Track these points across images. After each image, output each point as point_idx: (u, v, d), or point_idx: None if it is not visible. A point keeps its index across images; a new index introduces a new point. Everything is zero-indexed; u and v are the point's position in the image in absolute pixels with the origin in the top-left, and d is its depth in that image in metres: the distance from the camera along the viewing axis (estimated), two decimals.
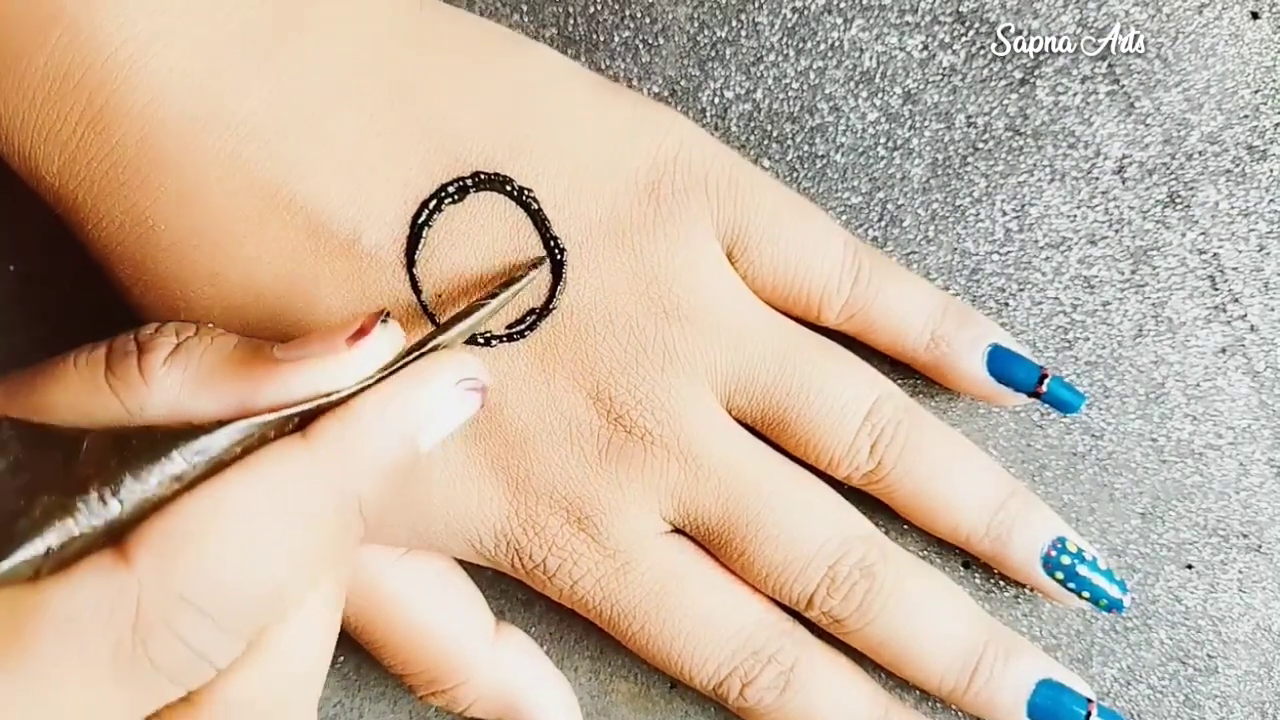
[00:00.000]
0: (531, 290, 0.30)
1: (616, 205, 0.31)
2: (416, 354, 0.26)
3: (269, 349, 0.26)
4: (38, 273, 0.34)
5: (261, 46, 0.29)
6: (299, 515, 0.24)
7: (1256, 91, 0.34)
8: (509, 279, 0.29)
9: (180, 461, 0.23)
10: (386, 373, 0.26)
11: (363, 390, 0.25)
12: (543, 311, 0.30)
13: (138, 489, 0.23)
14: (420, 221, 0.30)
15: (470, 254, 0.30)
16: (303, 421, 0.25)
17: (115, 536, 0.23)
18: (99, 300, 0.34)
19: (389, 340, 0.26)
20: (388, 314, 0.26)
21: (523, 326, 0.30)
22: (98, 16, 0.28)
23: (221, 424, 0.24)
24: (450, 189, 0.30)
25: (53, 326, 0.34)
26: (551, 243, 0.30)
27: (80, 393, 0.25)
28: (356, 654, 0.34)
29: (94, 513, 0.23)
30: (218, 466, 0.24)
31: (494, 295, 0.28)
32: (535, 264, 0.30)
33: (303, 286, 0.29)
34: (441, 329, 0.27)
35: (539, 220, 0.30)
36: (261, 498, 0.24)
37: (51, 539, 0.22)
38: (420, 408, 0.26)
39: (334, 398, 0.25)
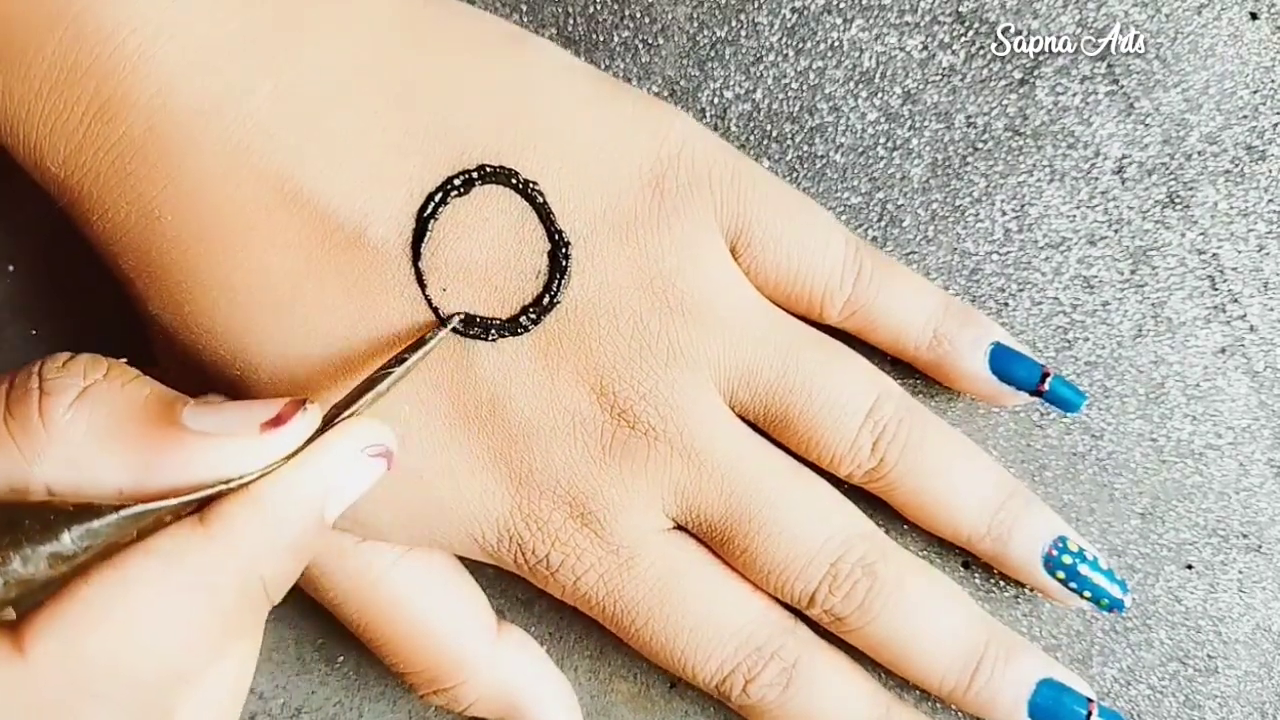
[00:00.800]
0: (535, 283, 0.30)
1: (620, 200, 0.31)
2: (323, 428, 0.25)
3: (180, 409, 0.25)
4: (38, 273, 0.34)
5: (268, 40, 0.29)
6: (199, 600, 0.24)
7: (1255, 92, 0.34)
8: (415, 342, 0.29)
9: (71, 544, 0.23)
10: (289, 453, 0.25)
11: (266, 474, 0.24)
12: (547, 305, 0.30)
13: (26, 570, 0.22)
14: (426, 215, 0.30)
15: (475, 247, 0.30)
16: (201, 502, 0.24)
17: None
18: (99, 300, 0.34)
19: (304, 429, 0.25)
20: (307, 403, 0.25)
21: (526, 320, 0.30)
22: (105, 8, 0.28)
23: (117, 507, 0.23)
24: (456, 183, 0.30)
25: (53, 326, 0.34)
26: (556, 236, 0.30)
27: None
28: (356, 653, 0.34)
29: None
30: (111, 548, 0.23)
31: (400, 360, 0.28)
32: (440, 325, 0.29)
33: (308, 279, 0.29)
34: (347, 402, 0.26)
35: (543, 214, 0.30)
36: (160, 584, 0.23)
37: None
38: (324, 482, 0.25)
39: (235, 483, 0.24)
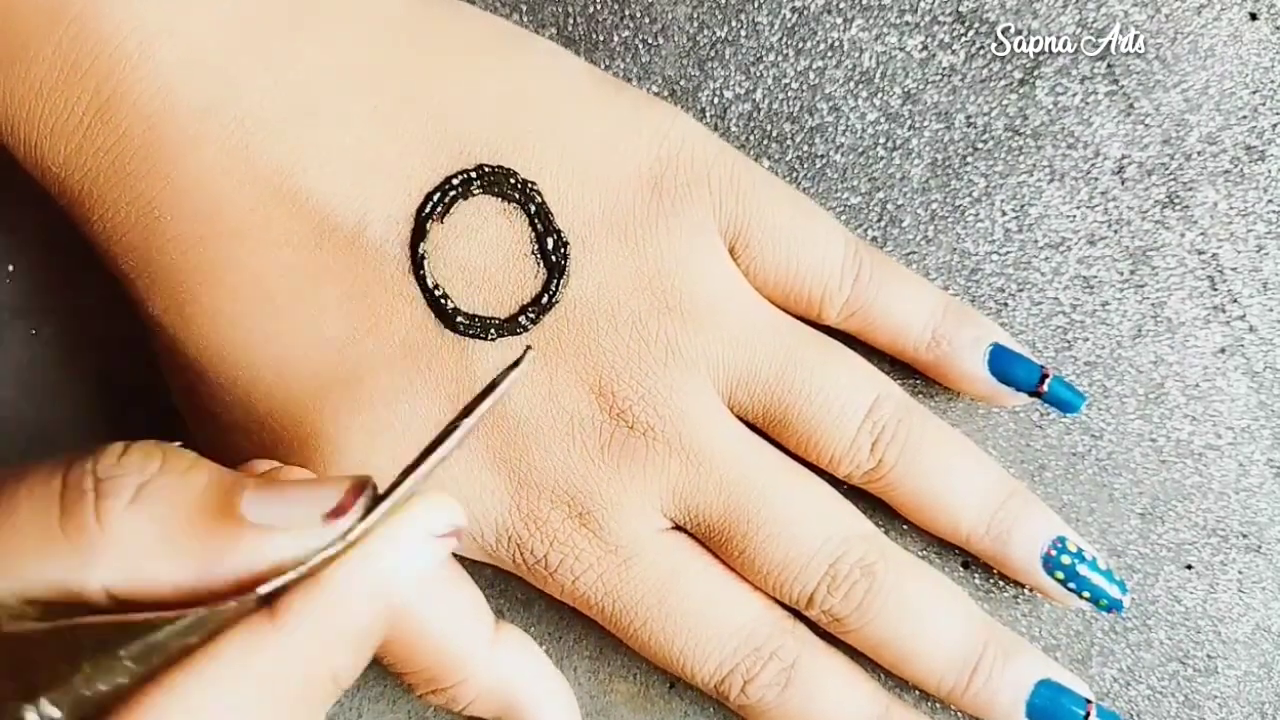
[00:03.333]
0: (534, 283, 0.30)
1: (619, 200, 0.31)
2: (387, 503, 0.24)
3: (239, 498, 0.24)
4: (38, 273, 0.34)
5: (268, 39, 0.29)
6: (271, 700, 0.23)
7: (1255, 92, 0.34)
8: (485, 389, 0.26)
9: (132, 662, 0.22)
10: (356, 536, 0.24)
11: (332, 558, 0.23)
12: (546, 305, 0.30)
13: (87, 690, 0.22)
14: (425, 214, 0.30)
15: (474, 247, 0.30)
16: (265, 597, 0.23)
17: None
18: (99, 300, 0.34)
19: (365, 508, 0.24)
20: (367, 483, 0.24)
21: (525, 320, 0.30)
22: (105, 8, 0.28)
23: (177, 617, 0.22)
24: (454, 182, 0.30)
25: (53, 326, 0.34)
26: (554, 236, 0.30)
27: (29, 534, 0.23)
28: None
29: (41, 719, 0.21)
30: (178, 652, 0.22)
31: (469, 411, 0.25)
32: (513, 368, 0.26)
33: (307, 278, 0.29)
34: (407, 472, 0.25)
35: (542, 213, 0.30)
36: (233, 686, 0.22)
37: None
38: (395, 570, 0.24)
39: (302, 570, 0.23)
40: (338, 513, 0.23)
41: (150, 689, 0.22)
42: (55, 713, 0.21)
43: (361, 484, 0.24)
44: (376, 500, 0.24)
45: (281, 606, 0.23)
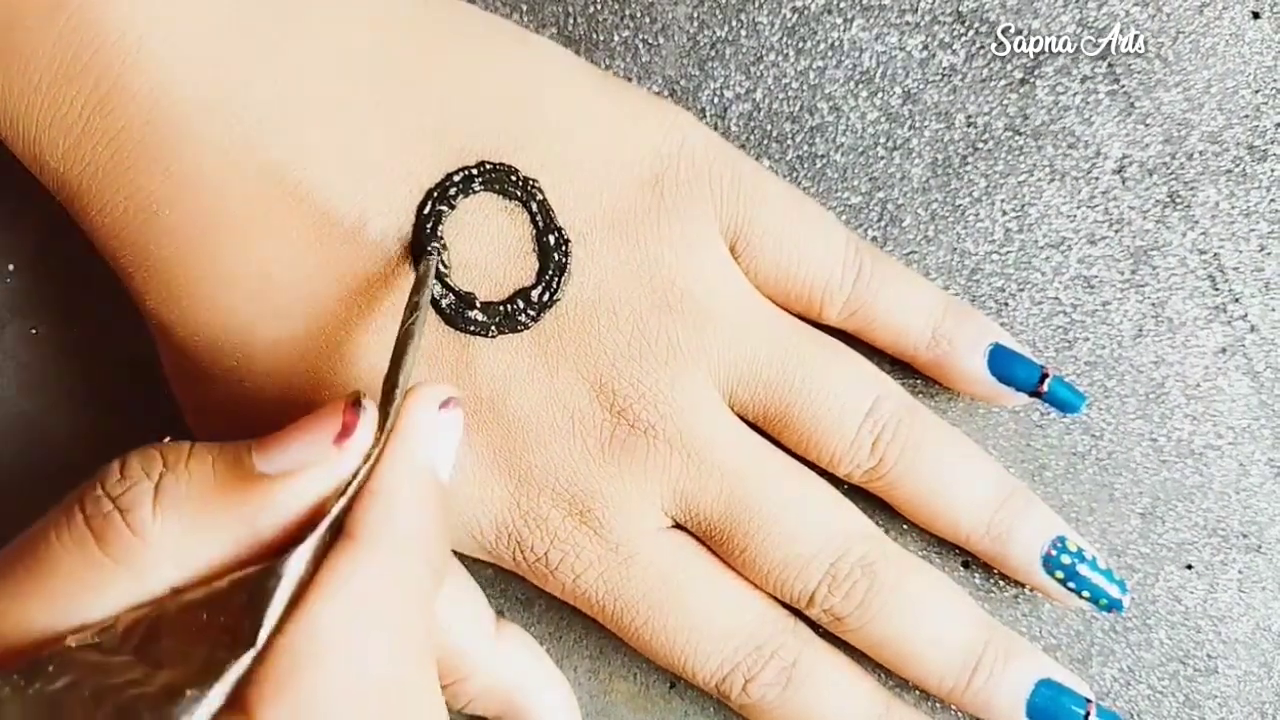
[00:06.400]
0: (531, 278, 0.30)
1: (620, 198, 0.31)
2: (394, 406, 0.26)
3: (249, 461, 0.24)
4: (38, 272, 0.34)
5: (269, 34, 0.29)
6: (391, 612, 0.24)
7: (1257, 91, 0.34)
8: (416, 283, 0.29)
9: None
10: (381, 444, 0.25)
11: (370, 466, 0.25)
12: (547, 303, 0.30)
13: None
14: (426, 211, 0.30)
15: (475, 244, 0.30)
16: (332, 531, 0.24)
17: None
18: (98, 298, 0.34)
19: (370, 423, 0.25)
20: (359, 397, 0.25)
21: (525, 318, 0.30)
22: (104, 2, 0.28)
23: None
24: (455, 178, 0.30)
25: (53, 325, 0.34)
26: (555, 234, 0.30)
27: (79, 576, 0.24)
28: None
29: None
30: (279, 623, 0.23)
31: (415, 307, 0.28)
32: (427, 255, 0.30)
33: (307, 273, 0.29)
34: (393, 370, 0.26)
35: (544, 211, 0.30)
36: (353, 614, 0.23)
37: None
38: (426, 451, 0.26)
39: (350, 494, 0.24)
40: (345, 434, 0.24)
41: (282, 636, 0.23)
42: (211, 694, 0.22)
43: (353, 399, 0.25)
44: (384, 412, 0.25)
45: (354, 527, 0.24)
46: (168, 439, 0.26)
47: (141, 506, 0.24)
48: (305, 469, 0.24)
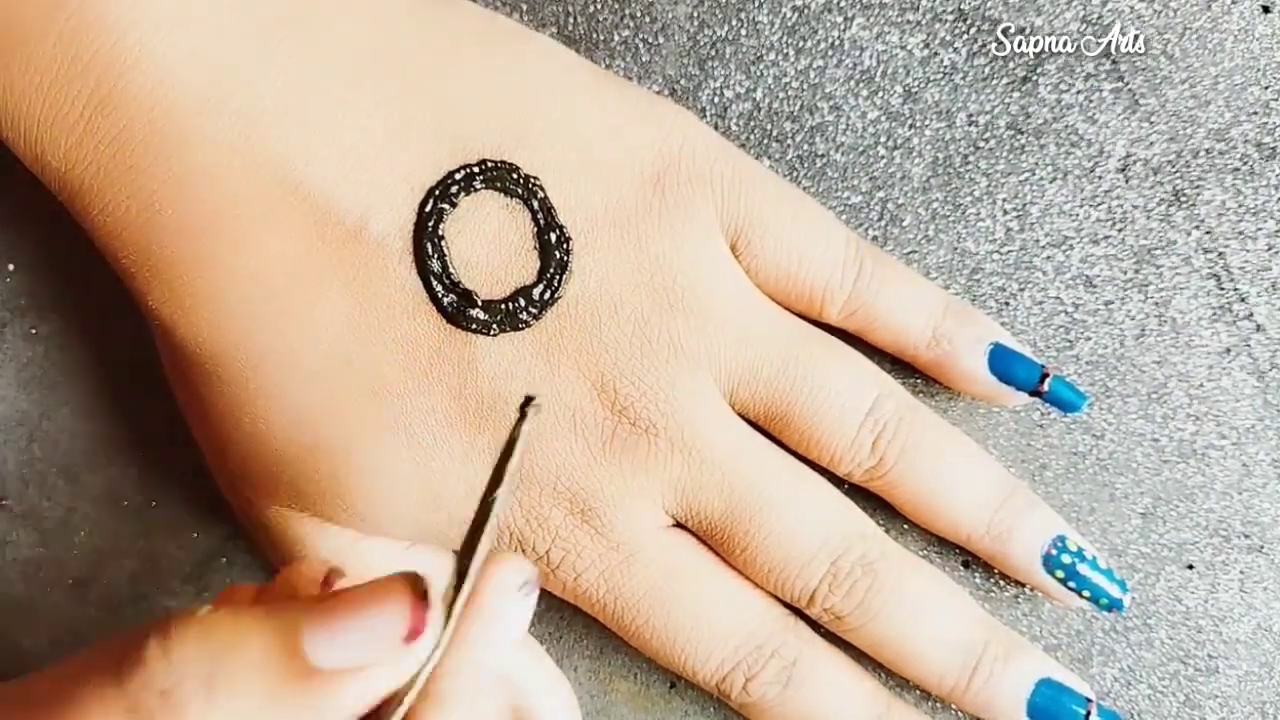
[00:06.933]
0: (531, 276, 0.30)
1: (621, 196, 0.31)
2: (459, 604, 0.24)
3: (301, 645, 0.22)
4: (38, 272, 0.34)
5: (270, 32, 0.29)
6: None
7: (1267, 88, 0.34)
8: (505, 449, 0.26)
9: None
10: (450, 630, 0.23)
11: (436, 664, 0.23)
12: (548, 301, 0.30)
13: None
14: (427, 209, 0.30)
15: (476, 242, 0.30)
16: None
17: None
18: (99, 298, 0.34)
19: (438, 622, 0.23)
20: (425, 589, 0.23)
21: (527, 316, 0.30)
22: (105, 1, 0.28)
23: None
24: (457, 177, 0.30)
25: (53, 325, 0.35)
26: (557, 232, 0.30)
27: None
28: None
29: None
30: None
31: (499, 479, 0.25)
32: (521, 419, 0.26)
33: (308, 272, 0.30)
34: (471, 540, 0.25)
35: (545, 209, 0.30)
36: None
37: None
38: (496, 648, 0.24)
39: (415, 691, 0.23)
40: (413, 634, 0.22)
41: None
42: None
43: (419, 590, 0.23)
44: (455, 589, 0.24)
45: None
46: (208, 608, 0.23)
47: (195, 704, 0.22)
48: (367, 668, 0.22)
